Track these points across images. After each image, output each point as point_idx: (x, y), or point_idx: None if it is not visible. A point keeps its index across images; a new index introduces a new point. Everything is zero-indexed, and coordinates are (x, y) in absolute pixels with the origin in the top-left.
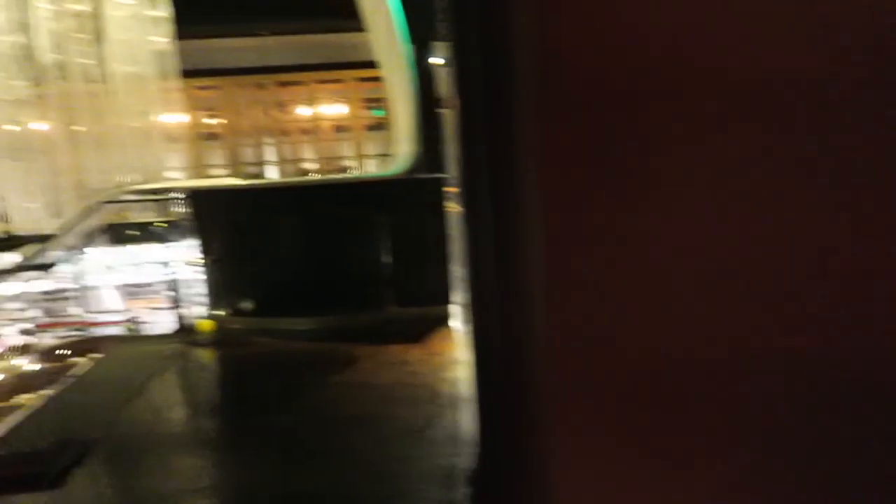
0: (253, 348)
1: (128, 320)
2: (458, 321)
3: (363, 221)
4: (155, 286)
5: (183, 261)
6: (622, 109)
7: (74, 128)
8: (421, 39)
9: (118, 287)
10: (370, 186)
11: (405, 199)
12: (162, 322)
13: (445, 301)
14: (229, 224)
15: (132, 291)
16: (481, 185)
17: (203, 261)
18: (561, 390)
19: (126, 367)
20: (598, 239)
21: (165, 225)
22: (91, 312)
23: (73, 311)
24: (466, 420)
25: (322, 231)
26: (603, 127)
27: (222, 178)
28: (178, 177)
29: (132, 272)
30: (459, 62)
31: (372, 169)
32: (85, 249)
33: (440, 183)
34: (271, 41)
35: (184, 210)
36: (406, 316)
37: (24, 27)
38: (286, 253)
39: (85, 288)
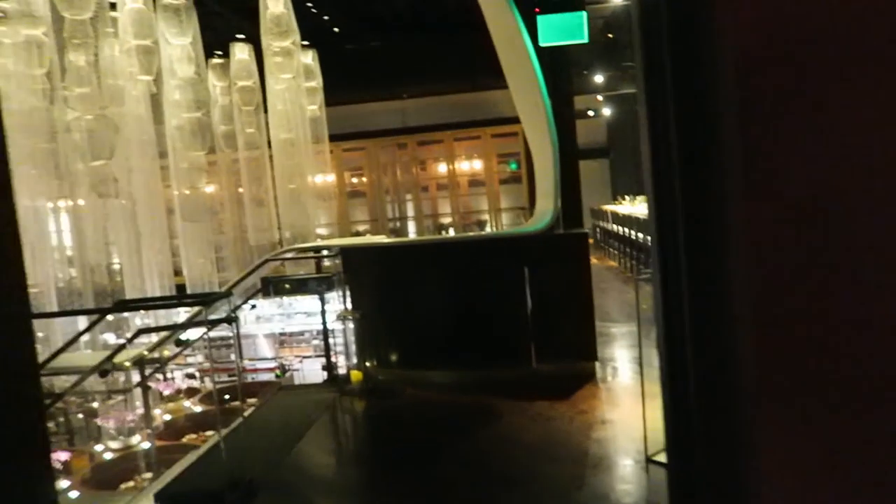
0: (400, 400)
1: (282, 367)
2: (602, 377)
3: (506, 277)
4: (307, 337)
5: (334, 314)
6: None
7: (239, 190)
8: (560, 94)
9: (274, 336)
10: (512, 242)
11: (547, 254)
12: (314, 371)
13: (590, 357)
14: (377, 279)
15: (286, 341)
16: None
17: (353, 314)
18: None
19: (286, 413)
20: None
21: (319, 280)
22: (251, 359)
23: (234, 357)
24: (614, 480)
25: (466, 286)
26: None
27: (370, 236)
28: (325, 231)
29: (287, 323)
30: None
31: (506, 222)
32: (249, 301)
33: (581, 238)
34: (410, 103)
35: (336, 266)
36: (550, 371)
37: (200, 104)
38: (432, 307)
39: (245, 336)
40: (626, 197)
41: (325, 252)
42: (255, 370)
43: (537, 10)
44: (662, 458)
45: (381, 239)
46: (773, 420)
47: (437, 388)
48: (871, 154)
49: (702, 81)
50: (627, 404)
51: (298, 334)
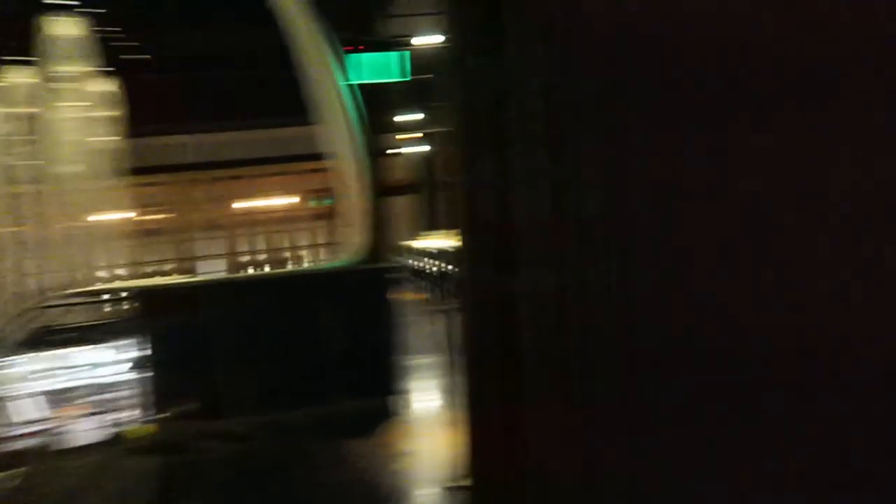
0: (193, 454)
1: (52, 430)
2: (403, 412)
3: (311, 315)
4: (89, 390)
5: (121, 363)
6: None
7: (18, 229)
8: (372, 129)
9: (47, 394)
10: (320, 278)
11: (356, 289)
12: (94, 429)
13: (391, 392)
14: (173, 323)
15: (63, 398)
16: None
17: (143, 362)
18: None
19: (51, 484)
20: None
21: (105, 326)
22: (11, 424)
23: None
24: None
25: (268, 327)
26: None
27: (167, 277)
28: (118, 273)
29: (65, 377)
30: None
31: (317, 258)
32: (16, 355)
33: (390, 272)
34: (217, 137)
35: (126, 310)
36: (353, 409)
37: None
38: (230, 351)
39: (6, 397)
40: (434, 232)
41: (120, 295)
42: (23, 436)
43: (350, 48)
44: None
45: (182, 279)
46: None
47: (234, 436)
48: None
49: None
50: (422, 436)
51: (73, 390)
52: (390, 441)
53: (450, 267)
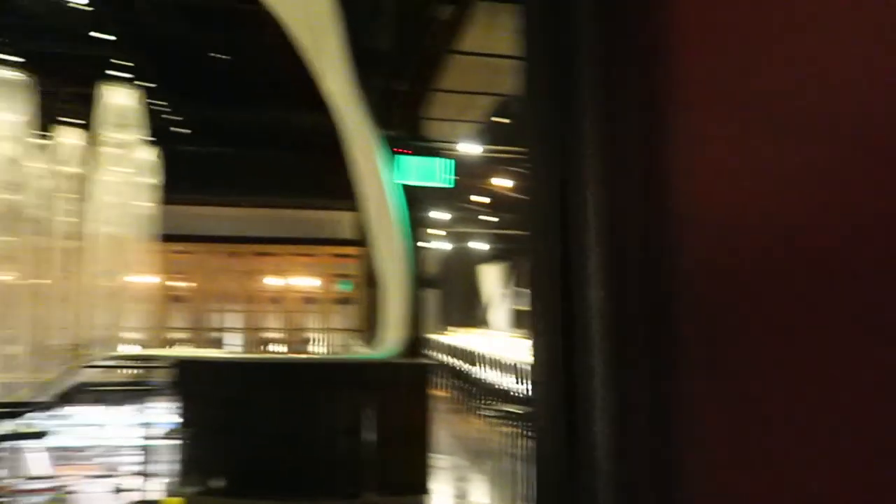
0: None
1: (57, 489)
2: None
3: (346, 403)
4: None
5: (154, 429)
6: None
7: (42, 282)
8: (412, 227)
9: (79, 449)
10: (356, 367)
11: (389, 382)
12: (102, 494)
13: (422, 490)
14: (210, 396)
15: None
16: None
17: (177, 431)
18: None
19: None
20: None
21: (143, 390)
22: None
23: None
24: None
25: (305, 411)
26: None
27: (197, 348)
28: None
29: (98, 436)
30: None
31: (338, 342)
32: (55, 409)
33: (424, 368)
34: (249, 212)
35: (163, 377)
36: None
37: (16, 185)
38: (266, 429)
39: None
40: (457, 328)
41: (155, 363)
42: (30, 491)
43: (401, 150)
44: None
45: (215, 352)
46: None
47: None
48: None
49: None
50: None
51: (84, 449)
52: None
53: (472, 367)
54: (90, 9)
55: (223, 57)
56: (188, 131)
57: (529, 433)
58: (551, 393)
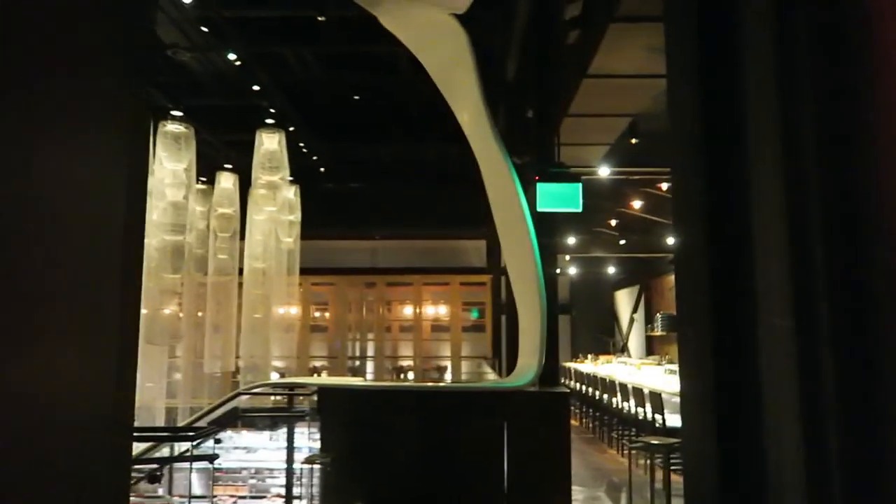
0: None
1: None
2: None
3: (484, 432)
4: (244, 475)
5: (300, 453)
6: None
7: (202, 314)
8: (546, 254)
9: (218, 471)
10: (493, 396)
11: (527, 411)
12: None
13: None
14: (350, 423)
15: (235, 478)
16: None
17: (322, 458)
18: None
19: None
20: None
21: (292, 415)
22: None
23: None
24: None
25: (443, 438)
26: None
27: (344, 378)
28: (282, 364)
29: (255, 459)
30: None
31: (466, 369)
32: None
33: (562, 397)
34: (381, 244)
35: (309, 404)
36: None
37: (181, 227)
38: (405, 458)
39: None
40: (589, 355)
41: (299, 390)
42: None
43: (537, 178)
44: None
45: (357, 381)
46: None
47: None
48: None
49: None
50: None
51: (238, 471)
52: None
53: (609, 395)
54: (239, 62)
55: (357, 97)
56: (323, 169)
57: (672, 466)
58: (703, 424)
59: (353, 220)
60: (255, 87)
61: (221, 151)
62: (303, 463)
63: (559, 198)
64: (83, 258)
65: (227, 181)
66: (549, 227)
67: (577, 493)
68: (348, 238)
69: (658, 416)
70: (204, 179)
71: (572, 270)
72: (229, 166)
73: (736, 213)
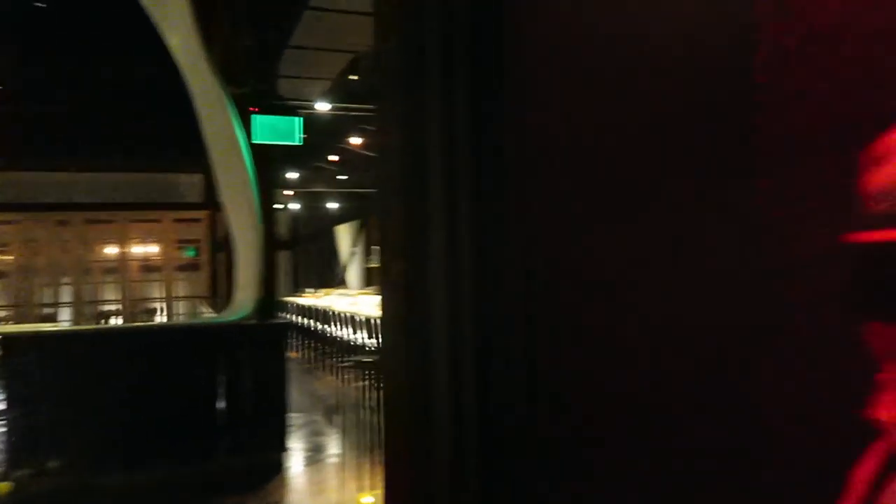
0: None
1: None
2: (291, 467)
3: (196, 367)
4: None
5: None
6: None
7: None
8: (263, 188)
9: None
10: (206, 331)
11: (244, 344)
12: None
13: (280, 448)
14: (42, 372)
15: None
16: None
17: (5, 412)
18: None
19: None
20: None
21: None
22: None
23: None
24: None
25: (150, 377)
26: None
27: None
28: None
29: None
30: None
31: (183, 310)
32: None
33: (280, 328)
34: (80, 176)
35: None
36: (240, 464)
37: None
38: (110, 402)
39: None
40: (310, 289)
41: None
42: None
43: (254, 109)
44: None
45: (47, 326)
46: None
47: (109, 494)
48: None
49: None
50: (315, 492)
51: None
52: (279, 498)
53: (326, 326)
54: None
55: (41, 2)
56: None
57: (381, 385)
58: (398, 343)
59: (43, 150)
60: None
61: None
62: None
63: (278, 131)
64: None
65: None
66: (266, 160)
67: (297, 419)
68: (37, 170)
69: (371, 342)
70: None
71: (295, 206)
72: None
73: (427, 155)
